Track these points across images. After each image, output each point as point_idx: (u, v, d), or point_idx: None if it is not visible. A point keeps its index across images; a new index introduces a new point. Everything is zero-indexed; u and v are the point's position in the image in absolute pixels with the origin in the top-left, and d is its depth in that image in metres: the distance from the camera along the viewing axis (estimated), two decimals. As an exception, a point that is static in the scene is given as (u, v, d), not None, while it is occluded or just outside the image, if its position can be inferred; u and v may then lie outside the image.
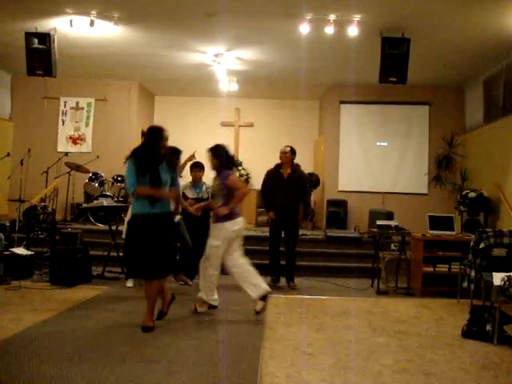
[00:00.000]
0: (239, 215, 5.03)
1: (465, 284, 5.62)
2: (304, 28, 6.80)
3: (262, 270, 6.99)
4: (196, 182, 6.59)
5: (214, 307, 5.10)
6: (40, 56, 7.30)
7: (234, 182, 5.00)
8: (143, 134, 4.35)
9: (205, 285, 5.01)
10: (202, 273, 5.05)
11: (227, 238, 4.89)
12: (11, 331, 4.11)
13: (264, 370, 3.42)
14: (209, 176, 5.63)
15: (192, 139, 11.85)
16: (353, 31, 6.81)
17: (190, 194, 6.47)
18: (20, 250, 6.57)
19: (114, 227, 7.12)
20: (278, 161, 6.68)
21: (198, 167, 6.60)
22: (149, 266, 4.29)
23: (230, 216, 4.89)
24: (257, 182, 11.27)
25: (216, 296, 5.08)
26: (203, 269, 5.02)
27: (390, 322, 4.95)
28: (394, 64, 7.06)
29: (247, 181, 11.59)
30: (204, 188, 6.56)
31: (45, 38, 7.24)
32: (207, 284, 5.00)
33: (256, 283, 4.91)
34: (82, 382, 3.07)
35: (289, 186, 6.45)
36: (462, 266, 5.75)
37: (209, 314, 5.00)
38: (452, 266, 6.34)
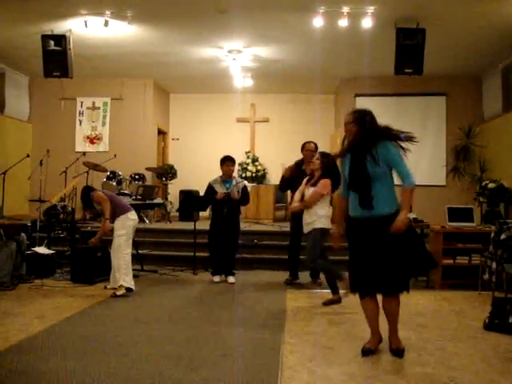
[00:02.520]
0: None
1: (486, 276, 5.56)
2: (317, 21, 6.77)
3: (281, 265, 7.08)
4: (227, 177, 6.51)
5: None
6: (56, 58, 7.41)
7: None
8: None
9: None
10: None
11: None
12: (36, 329, 4.20)
13: (285, 364, 3.43)
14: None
15: (208, 136, 11.95)
16: (367, 23, 6.77)
17: (219, 189, 6.42)
18: (42, 250, 6.68)
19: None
20: (295, 156, 6.60)
21: (231, 161, 6.49)
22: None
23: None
24: (273, 178, 11.29)
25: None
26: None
27: (410, 315, 4.91)
28: (409, 55, 6.99)
29: (264, 176, 11.60)
30: (234, 183, 6.48)
31: (61, 39, 7.35)
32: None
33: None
34: (105, 378, 3.12)
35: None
36: (483, 258, 5.68)
37: (228, 309, 5.03)
38: (472, 258, 6.27)
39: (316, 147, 6.36)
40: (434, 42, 7.18)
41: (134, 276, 6.61)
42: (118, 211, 5.70)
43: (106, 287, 5.88)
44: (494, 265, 5.28)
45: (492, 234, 5.43)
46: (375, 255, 3.54)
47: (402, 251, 3.53)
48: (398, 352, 3.62)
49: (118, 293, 5.50)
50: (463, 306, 5.34)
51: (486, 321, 4.43)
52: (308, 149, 6.31)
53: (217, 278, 6.48)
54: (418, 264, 3.65)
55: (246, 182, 6.90)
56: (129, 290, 5.56)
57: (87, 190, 5.89)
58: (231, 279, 6.44)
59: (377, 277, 3.55)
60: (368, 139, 3.62)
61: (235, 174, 6.78)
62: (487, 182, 8.27)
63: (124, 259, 5.62)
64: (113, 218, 5.71)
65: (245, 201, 6.60)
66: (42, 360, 3.43)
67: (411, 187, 3.57)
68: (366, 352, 3.64)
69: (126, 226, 5.68)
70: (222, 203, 6.35)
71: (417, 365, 3.47)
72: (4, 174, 7.83)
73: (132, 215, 5.78)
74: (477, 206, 8.29)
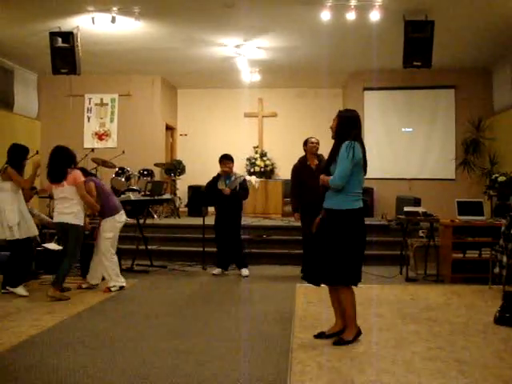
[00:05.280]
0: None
1: (496, 270, 5.52)
2: (325, 15, 6.72)
3: (290, 259, 7.09)
4: (226, 174, 6.62)
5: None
6: (64, 55, 7.43)
7: None
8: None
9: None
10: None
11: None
12: (47, 324, 4.24)
13: (295, 358, 3.43)
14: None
15: (216, 131, 11.94)
16: (375, 16, 6.71)
17: (221, 184, 6.57)
18: (52, 246, 6.72)
19: (141, 221, 7.24)
20: (302, 151, 6.61)
21: (227, 159, 6.64)
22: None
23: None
24: (281, 172, 11.28)
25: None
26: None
27: (419, 309, 4.90)
28: (417, 48, 6.92)
29: (272, 171, 11.57)
30: (233, 178, 6.60)
31: (68, 36, 7.36)
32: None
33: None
34: (116, 373, 3.14)
35: (318, 178, 6.35)
36: (493, 252, 5.64)
37: (237, 304, 5.04)
38: (482, 252, 6.23)
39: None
40: (442, 34, 7.10)
41: (145, 271, 6.70)
42: (106, 211, 5.66)
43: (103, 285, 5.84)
44: (504, 258, 5.24)
45: (502, 228, 5.40)
46: (319, 244, 3.87)
47: (335, 248, 3.75)
48: (336, 340, 3.75)
49: (113, 289, 5.56)
50: (473, 300, 5.31)
51: (497, 315, 4.40)
52: (312, 142, 6.42)
53: (215, 271, 6.60)
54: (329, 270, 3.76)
55: (246, 177, 6.98)
56: (121, 287, 5.61)
57: None
58: (244, 272, 6.55)
59: (317, 265, 3.83)
60: (338, 139, 3.90)
61: (243, 169, 6.80)
62: (497, 175, 8.20)
63: (112, 261, 5.64)
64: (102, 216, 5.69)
65: (242, 195, 6.69)
66: (53, 355, 3.47)
67: (331, 183, 3.95)
68: (316, 336, 3.89)
69: (114, 228, 5.67)
70: (222, 199, 6.50)
71: (427, 358, 3.46)
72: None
73: (121, 217, 5.74)
74: (487, 199, 8.23)
